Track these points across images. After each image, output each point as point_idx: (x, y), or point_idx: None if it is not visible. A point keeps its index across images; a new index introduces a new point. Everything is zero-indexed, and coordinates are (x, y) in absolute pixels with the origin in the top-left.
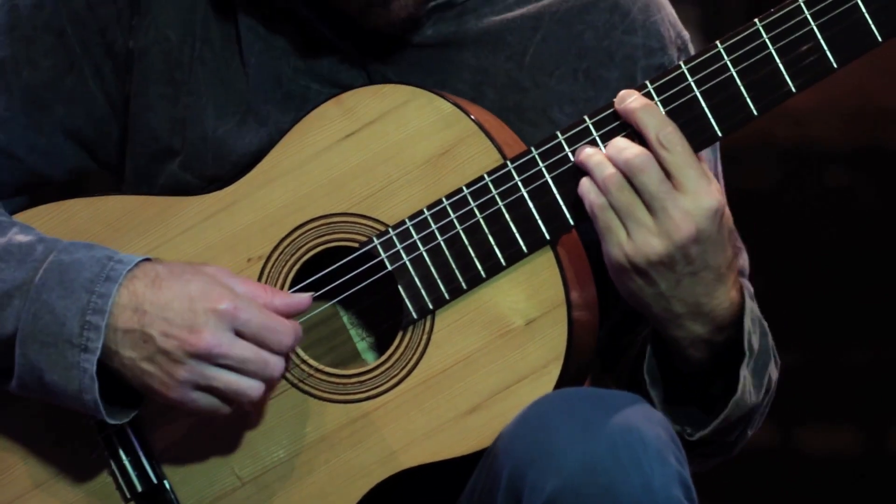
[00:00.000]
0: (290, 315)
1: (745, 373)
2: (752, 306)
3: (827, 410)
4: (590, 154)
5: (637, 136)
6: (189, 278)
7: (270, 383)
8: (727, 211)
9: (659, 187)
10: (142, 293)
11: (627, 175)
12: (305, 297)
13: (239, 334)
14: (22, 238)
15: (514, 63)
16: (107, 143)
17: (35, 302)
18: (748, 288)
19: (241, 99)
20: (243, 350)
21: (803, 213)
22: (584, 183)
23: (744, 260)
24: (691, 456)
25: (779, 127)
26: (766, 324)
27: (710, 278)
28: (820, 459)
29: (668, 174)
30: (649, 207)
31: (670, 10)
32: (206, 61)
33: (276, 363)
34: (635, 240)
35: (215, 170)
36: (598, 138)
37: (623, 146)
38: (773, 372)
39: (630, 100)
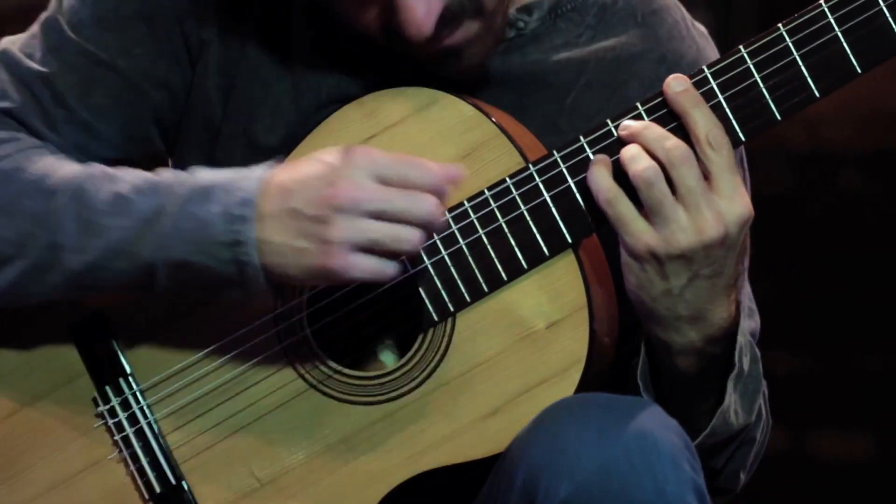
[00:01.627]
0: (442, 189)
1: (730, 384)
2: (744, 328)
3: (840, 415)
4: (627, 151)
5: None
6: (321, 154)
7: (426, 226)
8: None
9: (697, 183)
10: (280, 178)
11: (666, 165)
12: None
13: (383, 180)
14: (142, 175)
15: (554, 105)
16: (176, 126)
17: (179, 215)
18: (755, 349)
19: (278, 106)
20: (386, 191)
21: (817, 217)
22: (603, 177)
23: (756, 324)
24: None
25: (792, 131)
26: (758, 352)
27: (720, 286)
28: (833, 464)
29: (707, 174)
30: (683, 201)
31: None
32: (254, 67)
33: (424, 200)
34: (660, 232)
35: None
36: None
37: (663, 135)
38: (764, 408)
39: (682, 88)
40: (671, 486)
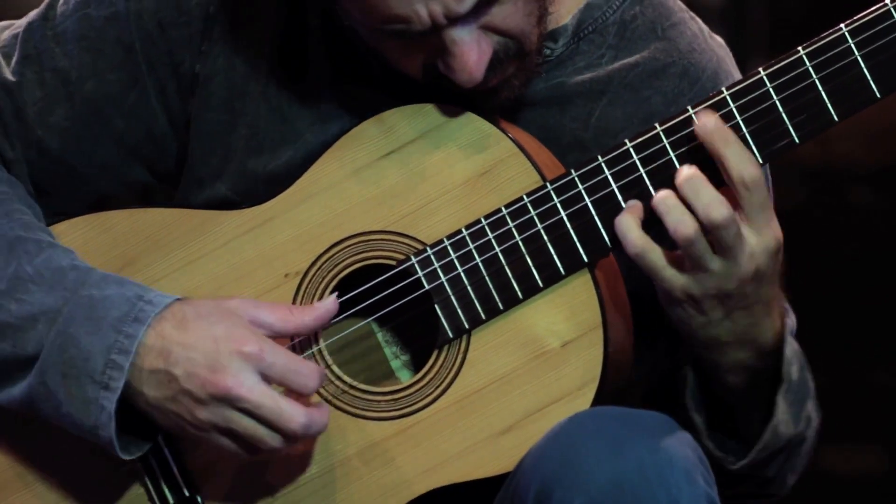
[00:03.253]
0: (324, 325)
1: (780, 399)
2: (791, 340)
3: (853, 431)
4: (664, 198)
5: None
6: (215, 320)
7: (287, 436)
8: (781, 250)
9: (735, 240)
10: (168, 334)
11: (706, 226)
12: (331, 301)
13: (264, 377)
14: (55, 262)
15: (579, 123)
16: (165, 158)
17: (62, 334)
18: (803, 356)
19: (299, 137)
20: (261, 396)
21: (828, 231)
22: (631, 229)
23: (792, 321)
24: (729, 498)
25: (804, 146)
26: (805, 360)
27: (760, 310)
28: (846, 480)
29: (741, 211)
30: (720, 254)
31: (738, 76)
32: (269, 97)
33: (294, 415)
34: (695, 276)
35: (266, 199)
36: (637, 162)
37: (707, 200)
38: (813, 413)
39: (712, 126)
40: (685, 499)
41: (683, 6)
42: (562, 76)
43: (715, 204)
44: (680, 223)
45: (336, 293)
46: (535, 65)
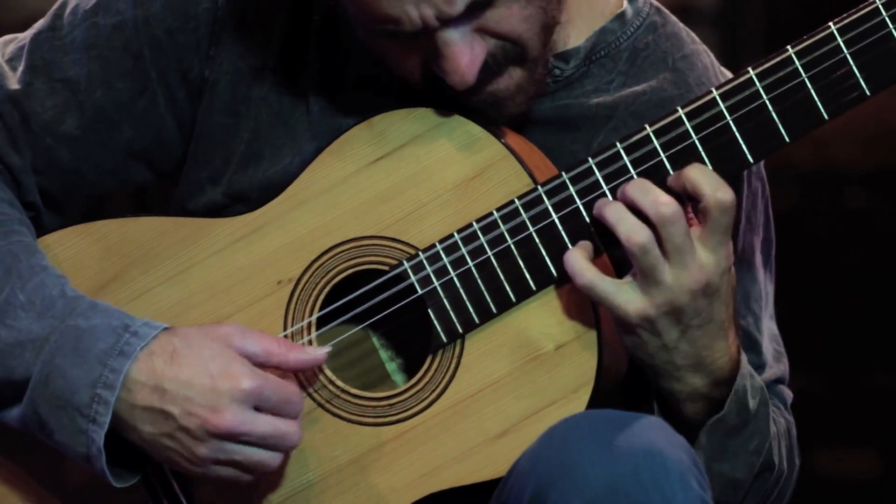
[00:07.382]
0: (305, 369)
1: (702, 434)
2: (751, 370)
3: (847, 433)
4: (614, 208)
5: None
6: (208, 354)
7: (287, 452)
8: (733, 269)
9: (685, 239)
10: (160, 370)
11: (657, 224)
12: (321, 353)
13: (258, 409)
14: (46, 289)
15: (581, 146)
16: (170, 160)
17: (48, 364)
18: (787, 394)
19: (296, 142)
20: (264, 427)
21: (823, 234)
22: (577, 260)
23: (784, 367)
24: None
25: (798, 149)
26: (767, 394)
27: (713, 331)
28: (839, 483)
29: (704, 227)
30: (670, 259)
31: None
32: (271, 103)
33: (293, 434)
34: (647, 293)
35: (259, 205)
36: (628, 164)
37: (655, 195)
38: (777, 457)
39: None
40: (679, 502)
41: (697, 39)
42: (569, 98)
43: (664, 199)
44: (633, 230)
45: (329, 348)
46: (542, 76)
